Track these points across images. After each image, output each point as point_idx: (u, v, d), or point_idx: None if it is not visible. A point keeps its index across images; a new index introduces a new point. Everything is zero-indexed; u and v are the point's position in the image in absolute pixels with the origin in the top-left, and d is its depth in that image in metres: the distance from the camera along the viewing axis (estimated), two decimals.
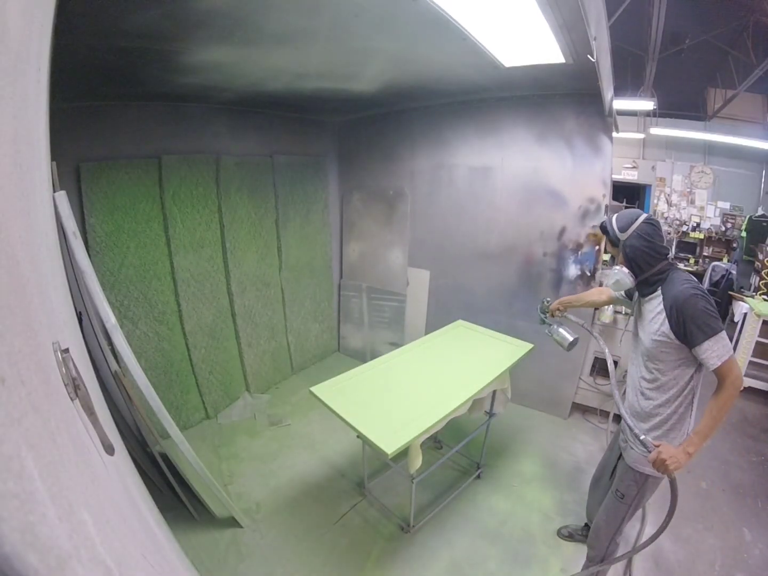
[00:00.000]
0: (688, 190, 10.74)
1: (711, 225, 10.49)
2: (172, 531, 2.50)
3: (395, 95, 4.83)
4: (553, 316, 3.50)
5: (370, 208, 6.27)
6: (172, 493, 3.58)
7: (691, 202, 10.76)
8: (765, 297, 7.09)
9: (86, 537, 0.61)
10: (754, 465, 4.47)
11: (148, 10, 2.21)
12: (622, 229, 2.56)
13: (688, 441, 2.38)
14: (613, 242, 2.63)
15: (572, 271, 4.76)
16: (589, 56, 2.92)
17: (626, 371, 3.04)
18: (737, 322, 7.00)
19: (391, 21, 2.64)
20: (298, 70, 3.63)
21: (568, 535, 3.62)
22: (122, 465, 1.62)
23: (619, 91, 5.27)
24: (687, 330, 2.30)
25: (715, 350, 2.29)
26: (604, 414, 5.01)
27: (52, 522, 0.52)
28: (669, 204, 11.00)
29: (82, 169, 3.71)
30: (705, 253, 10.46)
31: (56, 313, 1.10)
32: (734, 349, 6.73)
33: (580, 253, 4.67)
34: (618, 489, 2.84)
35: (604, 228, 2.68)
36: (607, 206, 4.48)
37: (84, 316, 2.86)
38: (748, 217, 9.79)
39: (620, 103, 6.64)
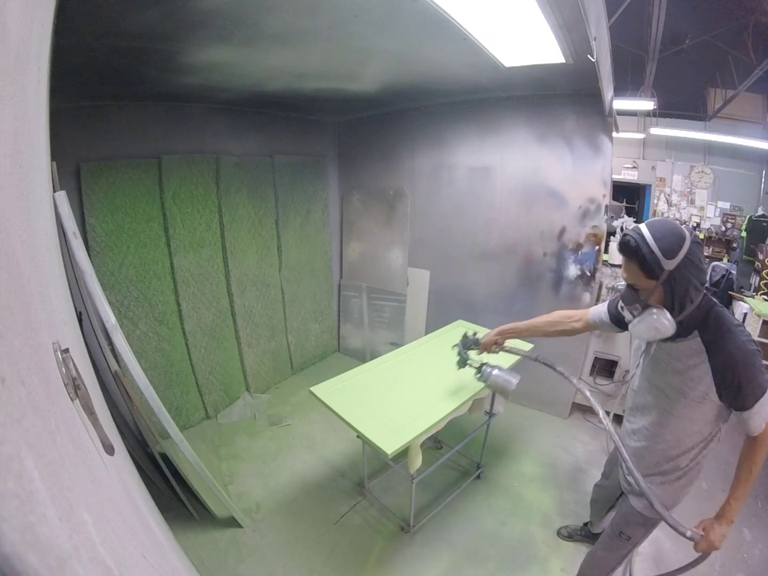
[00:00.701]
0: (688, 190, 10.74)
1: (711, 225, 10.50)
2: (172, 531, 2.50)
3: (395, 95, 4.83)
4: (488, 352, 2.94)
5: (370, 208, 6.27)
6: (172, 493, 3.58)
7: (691, 202, 10.77)
8: (765, 297, 7.10)
9: (86, 537, 0.61)
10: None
11: (147, 10, 2.21)
12: (670, 255, 1.77)
13: (729, 510, 2.27)
14: (651, 273, 1.82)
15: (572, 271, 4.76)
16: (589, 56, 2.92)
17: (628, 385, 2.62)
18: None
19: (391, 21, 2.64)
20: (298, 70, 3.63)
21: (568, 535, 3.58)
22: (122, 465, 1.62)
23: (619, 91, 5.27)
24: (741, 394, 1.85)
25: (762, 413, 1.86)
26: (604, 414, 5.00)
27: (52, 522, 0.52)
28: (669, 204, 11.00)
29: (82, 169, 3.71)
30: (705, 254, 10.45)
31: (56, 313, 1.10)
32: None
33: (580, 253, 4.67)
34: (623, 531, 2.56)
35: (634, 250, 1.84)
36: (607, 206, 4.48)
37: (84, 316, 2.87)
38: (748, 217, 9.79)
39: (620, 103, 6.64)
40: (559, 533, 3.61)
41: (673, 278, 1.80)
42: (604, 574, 2.73)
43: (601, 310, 2.56)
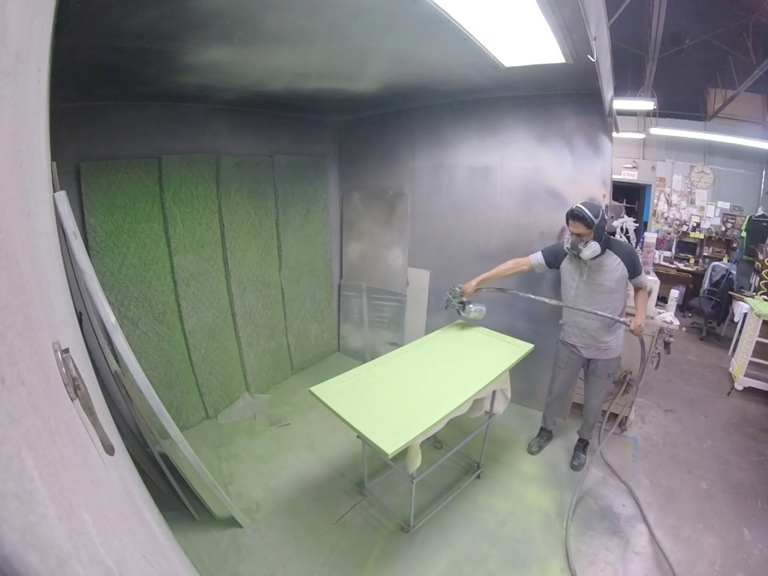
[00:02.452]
0: (689, 190, 10.75)
1: (711, 225, 10.51)
2: (172, 531, 2.50)
3: (395, 95, 4.83)
4: (470, 294, 4.40)
5: (370, 208, 6.27)
6: (172, 493, 3.58)
7: (691, 202, 10.78)
8: (765, 297, 7.12)
9: (86, 537, 0.61)
10: (754, 465, 4.48)
11: (148, 10, 2.21)
12: (596, 217, 3.71)
13: (639, 316, 3.95)
14: (588, 225, 3.71)
15: None
16: (589, 56, 2.92)
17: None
18: (737, 322, 7.04)
19: (390, 21, 2.65)
20: (298, 70, 3.63)
21: (539, 448, 4.67)
22: (122, 465, 1.62)
23: (619, 91, 5.27)
24: (636, 267, 3.92)
25: (644, 277, 4.06)
26: (603, 414, 5.01)
27: (52, 522, 0.52)
28: (669, 204, 11.01)
29: (82, 169, 3.71)
30: (705, 253, 10.47)
31: (56, 313, 1.10)
32: (734, 349, 6.79)
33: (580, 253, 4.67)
34: (609, 374, 4.20)
35: (581, 216, 3.70)
36: (607, 206, 4.48)
37: (84, 316, 2.87)
38: (748, 217, 9.80)
39: (620, 103, 6.65)
40: (530, 451, 4.66)
41: (598, 227, 3.74)
42: (600, 411, 4.47)
43: (538, 256, 4.29)
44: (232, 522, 3.59)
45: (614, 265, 3.87)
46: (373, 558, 3.37)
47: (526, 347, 4.05)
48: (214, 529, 3.59)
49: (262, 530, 3.62)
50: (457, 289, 4.40)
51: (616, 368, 4.24)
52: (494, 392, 3.83)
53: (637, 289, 4.10)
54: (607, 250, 3.87)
